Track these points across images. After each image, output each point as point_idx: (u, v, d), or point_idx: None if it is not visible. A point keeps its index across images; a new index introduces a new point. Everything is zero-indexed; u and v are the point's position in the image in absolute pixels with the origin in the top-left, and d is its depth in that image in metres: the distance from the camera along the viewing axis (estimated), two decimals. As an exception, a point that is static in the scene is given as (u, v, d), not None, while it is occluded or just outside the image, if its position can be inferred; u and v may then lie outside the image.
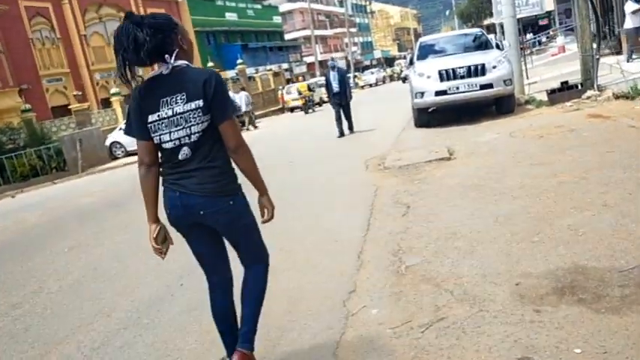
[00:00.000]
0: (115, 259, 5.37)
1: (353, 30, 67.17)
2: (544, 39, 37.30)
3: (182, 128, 2.21)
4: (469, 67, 9.85)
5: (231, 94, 21.40)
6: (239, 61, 32.96)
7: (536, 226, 3.82)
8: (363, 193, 5.98)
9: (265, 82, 35.73)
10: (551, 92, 10.37)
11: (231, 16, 44.05)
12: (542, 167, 5.56)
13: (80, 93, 22.98)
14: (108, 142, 19.86)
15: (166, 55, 2.19)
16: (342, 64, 44.19)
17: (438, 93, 9.94)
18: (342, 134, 11.99)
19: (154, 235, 2.37)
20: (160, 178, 2.37)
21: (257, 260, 2.53)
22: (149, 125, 2.24)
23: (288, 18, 58.26)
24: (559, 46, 23.85)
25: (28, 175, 16.97)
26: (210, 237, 2.44)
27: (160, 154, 2.33)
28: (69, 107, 22.68)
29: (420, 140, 9.06)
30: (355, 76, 52.97)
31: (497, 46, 11.15)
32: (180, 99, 2.20)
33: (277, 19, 53.24)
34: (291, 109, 30.47)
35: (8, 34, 24.30)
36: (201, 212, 2.28)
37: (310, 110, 25.72)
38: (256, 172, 2.36)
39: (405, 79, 37.11)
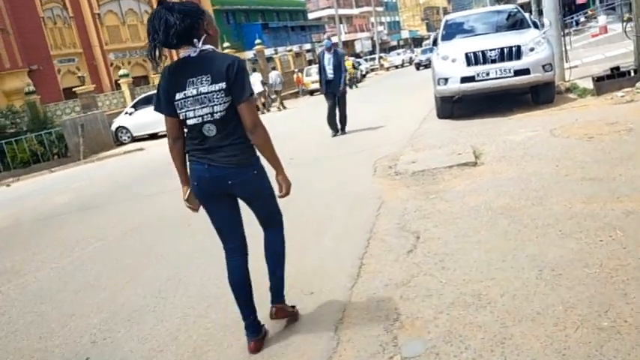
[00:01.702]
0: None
1: (380, 9, 64.93)
2: (582, 19, 35.02)
3: (206, 106, 2.42)
4: (502, 49, 8.40)
5: (255, 75, 22.27)
6: (257, 41, 31.64)
7: (603, 295, 2.53)
8: (364, 210, 4.73)
9: (285, 64, 34.39)
10: (598, 79, 8.85)
11: (251, -6, 42.65)
12: (597, 185, 4.21)
13: (85, 75, 22.01)
14: (114, 127, 18.93)
15: (195, 40, 2.42)
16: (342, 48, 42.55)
17: (464, 79, 8.54)
18: (336, 132, 9.92)
19: (186, 196, 2.69)
20: (187, 155, 2.60)
21: (274, 223, 2.79)
22: (176, 102, 2.46)
23: (311, -4, 56.50)
24: (601, 26, 21.83)
25: (28, 161, 16.16)
26: (230, 207, 2.67)
27: (186, 131, 2.55)
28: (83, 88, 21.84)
29: (441, 135, 7.71)
30: (380, 57, 51.16)
31: (535, 25, 9.64)
32: (206, 80, 2.41)
33: (300, -2, 51.63)
34: (311, 92, 29.14)
35: (18, 12, 23.45)
36: (230, 182, 2.52)
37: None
38: (272, 150, 2.56)
39: (418, 65, 35.38)
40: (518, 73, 8.32)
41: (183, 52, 2.46)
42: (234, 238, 2.71)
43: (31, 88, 18.72)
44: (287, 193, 2.66)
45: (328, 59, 9.84)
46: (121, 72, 22.31)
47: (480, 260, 3.21)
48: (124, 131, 18.92)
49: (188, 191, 2.68)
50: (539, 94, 8.90)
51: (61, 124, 17.07)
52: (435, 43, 9.95)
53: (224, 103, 2.41)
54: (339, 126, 9.99)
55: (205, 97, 2.41)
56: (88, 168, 13.96)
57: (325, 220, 4.73)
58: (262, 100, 21.70)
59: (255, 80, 21.43)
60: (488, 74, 8.41)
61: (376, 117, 11.82)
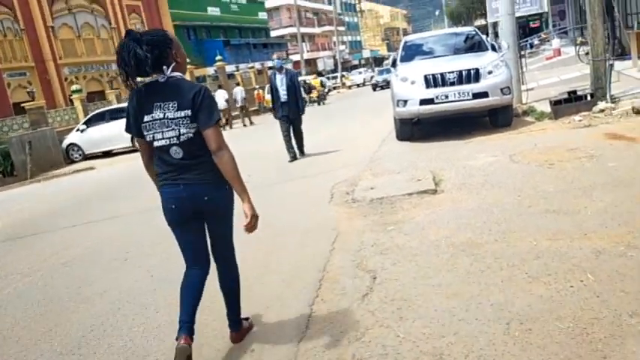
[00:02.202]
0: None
1: (341, 28, 65.54)
2: (536, 41, 36.10)
3: (171, 129, 2.52)
4: (460, 71, 8.29)
5: (220, 92, 22.22)
6: (218, 57, 31.19)
7: (580, 358, 2.24)
8: (318, 244, 4.38)
9: (247, 80, 33.91)
10: (556, 103, 8.84)
11: (213, 11, 42.24)
12: (562, 219, 4.00)
13: (34, 89, 21.04)
14: (65, 144, 18.05)
15: (164, 67, 2.53)
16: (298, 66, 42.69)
17: (423, 102, 8.37)
18: (294, 157, 9.18)
19: None
20: (158, 178, 2.67)
21: (230, 253, 2.88)
22: (143, 125, 2.56)
23: (274, 14, 56.49)
24: (554, 49, 22.39)
25: (-28, 181, 15.19)
26: (200, 229, 2.76)
27: (155, 154, 2.63)
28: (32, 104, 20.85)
29: (400, 159, 7.48)
30: (343, 76, 51.42)
31: (493, 48, 9.62)
32: (172, 107, 2.51)
33: (263, 16, 51.47)
34: (272, 109, 28.86)
35: (-37, 23, 22.37)
36: (206, 198, 2.61)
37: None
38: (236, 175, 2.59)
39: (375, 86, 35.19)
40: (476, 96, 8.21)
41: (151, 78, 2.57)
42: (199, 260, 2.78)
43: (-26, 103, 17.72)
44: (253, 226, 2.63)
45: (280, 80, 9.16)
46: (74, 87, 21.44)
47: (442, 309, 2.89)
48: (76, 149, 18.05)
49: None
50: (497, 117, 8.82)
51: (6, 141, 16.14)
52: (394, 64, 9.79)
53: (189, 128, 2.51)
54: (296, 150, 9.38)
55: (172, 122, 2.50)
56: (33, 188, 13.16)
57: (274, 253, 4.35)
58: (226, 116, 21.55)
59: (220, 97, 21.69)
60: (447, 97, 8.28)
61: (336, 137, 11.59)
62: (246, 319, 3.10)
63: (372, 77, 47.36)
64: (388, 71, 33.09)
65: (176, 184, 2.58)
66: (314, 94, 30.32)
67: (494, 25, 22.74)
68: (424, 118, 8.93)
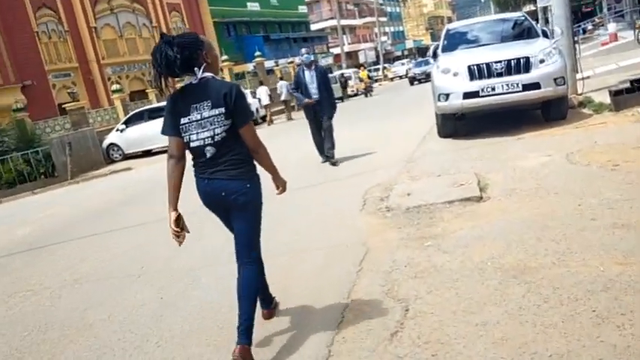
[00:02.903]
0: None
1: (383, 19, 64.36)
2: (590, 26, 34.23)
3: (207, 130, 2.66)
4: (509, 61, 7.55)
5: (262, 88, 21.82)
6: (257, 53, 30.97)
7: None
8: (344, 263, 3.86)
9: (286, 75, 33.59)
10: (616, 93, 7.97)
11: (253, 6, 42.09)
12: (634, 236, 3.33)
13: (76, 90, 21.29)
14: (105, 144, 18.17)
15: (195, 69, 2.65)
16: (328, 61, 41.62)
17: (467, 95, 7.68)
18: (327, 158, 8.38)
19: (173, 220, 2.78)
20: (194, 171, 2.80)
21: (250, 257, 2.86)
22: (181, 126, 2.69)
23: (314, 7, 55.97)
24: (611, 33, 20.97)
25: (14, 181, 15.42)
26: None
27: (190, 152, 2.76)
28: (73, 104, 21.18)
29: (441, 159, 6.85)
30: (385, 68, 50.39)
31: (545, 34, 8.80)
32: (207, 105, 2.64)
33: (303, 9, 51.03)
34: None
35: (11, 26, 22.90)
36: (223, 193, 2.73)
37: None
38: (271, 164, 2.87)
39: (412, 80, 32.56)
40: (527, 87, 7.46)
41: (186, 80, 2.70)
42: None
43: (19, 105, 18.02)
44: (283, 190, 2.99)
45: (310, 77, 8.30)
46: (114, 87, 21.61)
47: (488, 358, 2.33)
48: (116, 148, 18.15)
49: (175, 216, 2.77)
50: (550, 110, 8.04)
51: (48, 142, 16.33)
52: (434, 55, 9.11)
53: (224, 126, 2.63)
54: (326, 151, 8.43)
55: (207, 121, 2.63)
56: (70, 190, 13.17)
57: (293, 274, 3.86)
58: (269, 111, 21.46)
59: (263, 93, 21.48)
60: (493, 89, 7.56)
61: (373, 133, 11.00)
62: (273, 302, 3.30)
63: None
64: (427, 63, 31.43)
65: (203, 179, 2.76)
66: (361, 86, 31.25)
67: (545, 10, 21.51)
68: (468, 113, 8.24)
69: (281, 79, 25.57)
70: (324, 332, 2.90)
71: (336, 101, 9.00)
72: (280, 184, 2.96)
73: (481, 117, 8.70)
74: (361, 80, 31.99)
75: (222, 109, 2.61)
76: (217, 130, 2.63)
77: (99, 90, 27.75)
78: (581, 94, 9.66)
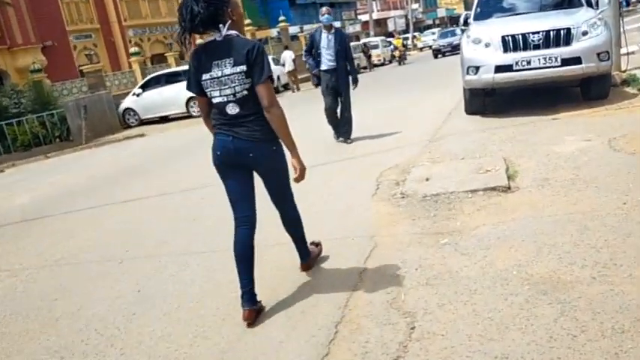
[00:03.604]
0: None
1: (415, -14, 62.18)
2: (633, -1, 32.43)
3: (228, 87, 2.64)
4: (548, 32, 6.81)
5: (287, 52, 21.03)
6: (281, 18, 30.09)
7: None
8: (345, 264, 3.36)
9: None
10: (666, 71, 7.18)
11: (280, -31, 40.87)
12: (697, 248, 2.75)
13: (93, 52, 20.96)
14: (121, 109, 17.85)
15: (220, 25, 2.64)
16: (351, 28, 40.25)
17: (499, 68, 6.98)
18: (340, 135, 7.56)
19: None
20: (214, 127, 2.82)
21: (285, 200, 3.03)
22: (203, 82, 2.70)
23: (344, -28, 54.27)
24: (658, 5, 19.58)
25: (29, 143, 15.24)
26: (245, 179, 2.87)
27: (213, 106, 2.78)
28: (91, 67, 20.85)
29: (467, 140, 6.24)
30: (414, 37, 48.79)
31: (589, 3, 7.96)
32: (229, 63, 2.62)
33: (332, -27, 49.48)
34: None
35: (32, -15, 22.51)
36: (250, 155, 2.74)
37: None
38: (286, 131, 2.74)
39: (437, 52, 29.82)
40: (566, 62, 6.73)
41: (210, 37, 2.68)
42: (246, 208, 2.88)
43: (37, 66, 17.73)
44: (302, 177, 2.83)
45: (328, 41, 7.15)
46: (132, 50, 21.16)
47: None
48: (132, 113, 17.82)
49: None
50: (590, 88, 7.29)
51: (63, 105, 16.05)
52: (465, 23, 8.36)
53: (244, 84, 2.62)
54: (341, 132, 7.59)
55: (228, 79, 2.62)
56: (82, 155, 12.91)
57: (285, 275, 3.36)
58: (293, 78, 20.82)
59: (288, 57, 20.71)
60: (529, 63, 6.85)
61: (396, 108, 10.32)
62: (316, 244, 3.48)
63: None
64: (453, 33, 30.03)
65: (227, 135, 2.73)
66: (396, 54, 31.07)
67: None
68: (500, 89, 7.55)
69: (286, 48, 23.94)
70: (308, 354, 2.43)
71: (358, 73, 7.96)
72: (298, 165, 2.81)
73: (513, 93, 8.01)
74: (396, 48, 32.16)
75: (244, 67, 2.60)
76: (237, 88, 2.63)
77: (120, 52, 27.43)
78: (624, 71, 8.83)
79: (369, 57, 28.50)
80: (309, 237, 3.39)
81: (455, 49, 26.41)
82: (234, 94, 2.64)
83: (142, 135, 14.44)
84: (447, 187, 4.43)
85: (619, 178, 3.98)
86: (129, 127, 17.66)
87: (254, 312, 2.78)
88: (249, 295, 2.79)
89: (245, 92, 2.63)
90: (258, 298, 2.87)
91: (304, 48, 8.21)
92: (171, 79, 17.27)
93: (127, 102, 17.79)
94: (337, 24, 44.73)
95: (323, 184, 5.32)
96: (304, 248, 3.26)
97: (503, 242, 3.22)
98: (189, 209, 5.38)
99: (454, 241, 3.38)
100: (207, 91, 2.70)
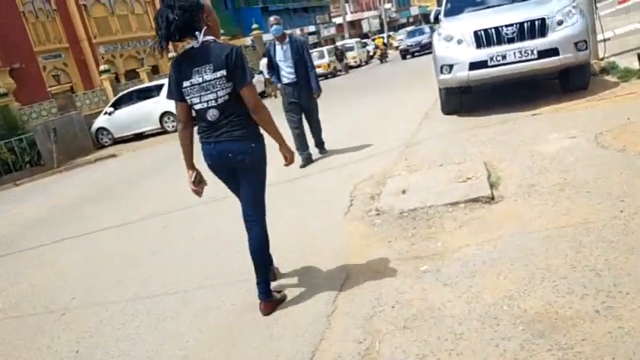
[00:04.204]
0: None
1: (387, -15, 62.11)
2: (603, -17, 32.42)
3: (210, 93, 2.68)
4: (521, 24, 6.47)
5: (265, 60, 20.99)
6: (254, 26, 29.65)
7: None
8: (313, 305, 2.94)
9: (286, 48, 32.35)
10: (647, 57, 6.89)
11: (250, -23, 40.49)
12: None
13: (60, 73, 20.34)
14: (94, 128, 17.26)
15: (196, 32, 2.66)
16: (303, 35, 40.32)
17: (474, 65, 6.63)
18: (308, 160, 6.59)
19: (192, 179, 2.93)
20: (197, 137, 2.86)
21: (257, 216, 2.95)
22: (183, 89, 2.73)
23: (315, -24, 54.03)
24: (629, -10, 19.49)
25: (-1, 171, 14.63)
26: (238, 181, 2.92)
27: (194, 115, 2.81)
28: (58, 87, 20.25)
29: (445, 143, 5.87)
30: (389, 36, 48.64)
31: (562, -9, 7.65)
32: (209, 69, 2.65)
33: (303, -22, 49.20)
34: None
35: (-6, 8, 21.86)
36: (230, 155, 2.77)
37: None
38: (273, 127, 2.82)
39: (404, 53, 27.81)
40: (543, 54, 6.39)
41: (188, 44, 2.72)
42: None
43: (2, 90, 17.10)
44: (291, 161, 2.98)
45: (283, 52, 6.45)
46: (102, 67, 20.57)
47: None
48: (105, 133, 17.24)
49: (193, 175, 2.92)
50: (569, 80, 6.96)
51: (32, 128, 15.45)
52: (436, 19, 8.01)
53: (226, 88, 2.66)
54: (311, 150, 6.76)
55: (209, 84, 2.65)
56: (52, 181, 12.35)
57: (241, 320, 2.94)
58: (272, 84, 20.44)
59: (265, 65, 20.19)
60: (504, 57, 6.51)
61: (371, 111, 9.96)
62: (278, 291, 3.11)
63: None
64: (422, 32, 28.99)
65: (209, 143, 2.77)
66: (378, 53, 31.51)
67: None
68: (476, 86, 7.20)
69: (264, 55, 24.02)
70: None
71: (320, 80, 7.14)
72: (288, 153, 2.93)
73: (490, 89, 7.66)
74: (377, 47, 33.23)
75: (224, 72, 2.62)
76: (220, 93, 2.65)
77: (92, 70, 26.74)
78: (602, 59, 8.56)
79: (341, 60, 28.10)
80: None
81: (424, 48, 25.72)
82: (215, 99, 2.67)
83: (113, 155, 13.90)
84: (425, 201, 4.04)
85: (611, 180, 3.62)
86: (103, 146, 17.10)
87: (269, 304, 2.92)
88: (264, 289, 2.92)
89: (227, 97, 2.67)
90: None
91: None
92: (143, 95, 16.77)
93: (99, 121, 17.21)
94: (312, 28, 44.40)
95: (292, 203, 4.91)
96: (267, 282, 2.98)
97: (490, 267, 2.83)
98: (149, 241, 4.93)
99: (435, 268, 2.99)
100: (187, 98, 2.74)
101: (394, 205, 4.18)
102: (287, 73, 6.51)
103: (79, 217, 6.82)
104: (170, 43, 2.69)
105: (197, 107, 2.72)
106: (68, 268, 4.71)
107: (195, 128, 2.85)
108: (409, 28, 36.54)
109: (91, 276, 4.30)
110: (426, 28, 28.38)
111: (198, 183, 2.94)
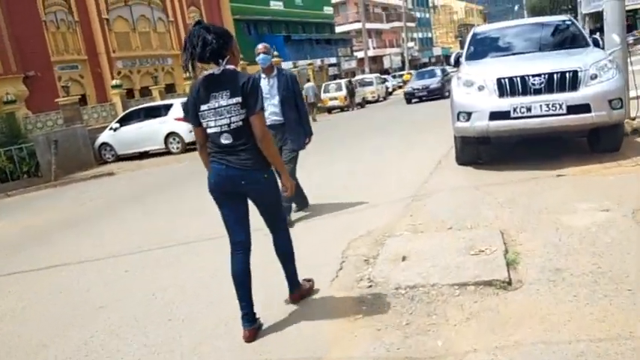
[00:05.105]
0: None
1: (411, 24, 62.37)
2: (630, 40, 32.11)
3: (224, 118, 2.80)
4: (550, 74, 5.87)
5: (308, 85, 22.59)
6: (274, 53, 29.47)
7: None
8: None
9: (304, 78, 32.15)
10: (688, 121, 6.23)
11: (276, 5, 40.72)
12: None
13: (69, 84, 20.07)
14: (97, 143, 16.85)
15: (220, 60, 2.81)
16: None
17: (495, 115, 6.02)
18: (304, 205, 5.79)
19: None
20: (209, 156, 2.98)
21: (279, 227, 3.19)
22: (200, 113, 2.86)
23: (341, 9, 54.42)
24: (658, 47, 18.98)
25: (-4, 179, 14.19)
26: (239, 206, 3.01)
27: (208, 137, 2.94)
28: (84, 97, 19.99)
29: (456, 200, 5.20)
30: (410, 74, 48.26)
31: (596, 43, 7.07)
32: (225, 95, 2.79)
33: (329, 10, 49.48)
34: (329, 110, 26.85)
35: (16, 15, 21.76)
36: (242, 182, 2.89)
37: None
38: (277, 157, 2.96)
39: (410, 97, 24.32)
40: (573, 110, 5.77)
41: (208, 70, 2.84)
42: (241, 232, 3.02)
43: (10, 97, 16.82)
44: (291, 193, 3.09)
45: (269, 86, 5.33)
46: (113, 82, 20.30)
47: None
48: (108, 149, 16.81)
49: None
50: (599, 139, 6.33)
51: (33, 139, 15.05)
52: (457, 63, 7.44)
53: (239, 114, 2.78)
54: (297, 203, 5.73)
55: (224, 109, 2.78)
56: (42, 195, 11.83)
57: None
58: (313, 110, 21.38)
59: (308, 89, 22.06)
60: (529, 109, 5.89)
61: (378, 154, 9.31)
62: (308, 280, 3.47)
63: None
64: (433, 74, 26.63)
65: (220, 164, 2.88)
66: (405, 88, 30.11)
67: (585, 18, 19.61)
68: (495, 138, 6.57)
69: (308, 80, 26.02)
70: None
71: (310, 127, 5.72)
72: (287, 183, 3.02)
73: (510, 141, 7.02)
74: (405, 82, 33.42)
75: (239, 99, 2.74)
76: (233, 119, 2.76)
77: (107, 84, 26.48)
78: (634, 118, 7.90)
79: (352, 96, 26.20)
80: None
81: (432, 93, 23.43)
82: (228, 125, 2.78)
83: (110, 174, 13.38)
84: (428, 277, 3.36)
85: (659, 274, 2.92)
86: (105, 162, 16.65)
87: (254, 331, 2.98)
88: (248, 317, 2.98)
89: (240, 123, 2.78)
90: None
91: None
92: (151, 113, 16.38)
93: (103, 136, 16.80)
94: (332, 60, 44.32)
95: (270, 261, 4.18)
96: (294, 276, 3.31)
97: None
98: (103, 288, 4.27)
99: (431, 381, 2.30)
100: (203, 121, 2.85)
101: (390, 276, 3.50)
102: (271, 113, 5.28)
103: (43, 245, 6.19)
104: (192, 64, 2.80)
105: (211, 131, 2.84)
106: (4, 314, 4.06)
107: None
108: (418, 70, 33.42)
109: (13, 336, 3.59)
110: (438, 71, 26.86)
111: None
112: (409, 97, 24.56)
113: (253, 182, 2.88)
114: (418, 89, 24.15)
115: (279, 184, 3.05)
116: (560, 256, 3.40)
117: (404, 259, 3.78)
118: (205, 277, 4.09)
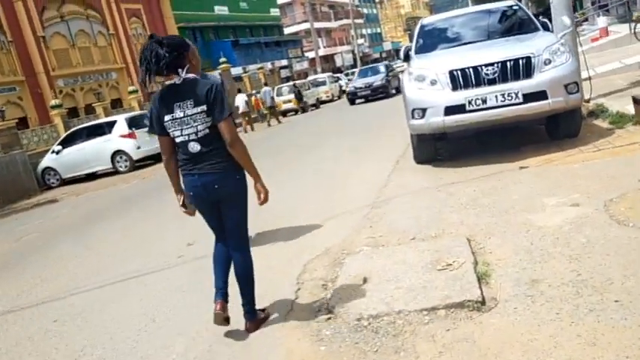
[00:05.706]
0: None
1: (360, 21, 62.48)
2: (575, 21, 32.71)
3: (190, 127, 2.77)
4: (503, 63, 5.61)
5: (240, 96, 21.13)
6: (222, 59, 28.80)
7: None
8: None
9: (256, 82, 31.56)
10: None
11: (221, 10, 39.93)
12: None
13: (4, 108, 18.93)
14: (40, 169, 15.87)
15: (179, 69, 2.75)
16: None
17: (450, 110, 5.71)
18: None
19: (180, 202, 3.04)
20: (180, 170, 2.97)
21: (240, 240, 3.08)
22: (165, 124, 2.83)
23: (287, 10, 53.96)
24: (600, 28, 19.32)
25: None
26: (218, 212, 3.01)
27: (176, 147, 2.91)
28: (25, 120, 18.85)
29: (417, 205, 4.84)
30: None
31: (545, 27, 6.88)
32: (190, 104, 2.77)
33: (275, 12, 48.96)
34: (283, 113, 26.19)
35: (-59, 37, 20.47)
36: (216, 186, 2.86)
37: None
38: (249, 162, 2.89)
39: (353, 97, 22.67)
40: (529, 98, 5.52)
41: (169, 81, 2.79)
42: (222, 233, 3.08)
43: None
44: (265, 200, 2.96)
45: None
46: (52, 102, 19.26)
47: None
48: (52, 173, 15.84)
49: (182, 198, 3.02)
50: (558, 126, 6.13)
51: (-34, 169, 14.05)
52: (406, 57, 7.11)
53: (205, 122, 2.76)
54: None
55: (190, 119, 2.76)
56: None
57: None
58: (247, 119, 20.70)
59: (240, 100, 20.98)
60: (484, 101, 5.62)
61: (332, 157, 8.94)
62: (262, 310, 3.23)
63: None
64: (376, 70, 24.79)
65: (192, 174, 2.87)
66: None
67: (529, 3, 19.78)
68: (452, 133, 6.26)
69: (265, 84, 25.22)
70: None
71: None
72: (262, 190, 2.93)
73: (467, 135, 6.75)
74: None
75: (204, 107, 2.73)
76: (200, 127, 2.75)
77: (48, 105, 25.33)
78: (589, 100, 7.76)
79: (300, 100, 25.43)
80: None
81: (376, 92, 22.05)
82: (196, 133, 2.76)
83: (54, 200, 12.52)
84: (392, 303, 2.96)
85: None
86: (50, 187, 15.70)
87: (224, 303, 3.03)
88: (222, 292, 3.06)
89: (207, 130, 2.76)
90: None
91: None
92: (94, 132, 15.52)
93: (46, 161, 15.82)
94: (283, 62, 43.77)
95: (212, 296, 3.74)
96: (252, 303, 3.12)
97: None
98: (18, 349, 3.70)
99: None
100: (169, 131, 2.83)
101: (351, 305, 3.08)
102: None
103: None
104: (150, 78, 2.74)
105: (178, 140, 2.82)
106: None
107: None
108: (360, 67, 31.71)
109: None
110: (382, 67, 25.22)
111: (189, 205, 3.02)
112: (352, 98, 22.83)
113: (225, 184, 2.85)
114: (361, 88, 22.42)
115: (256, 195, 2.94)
116: (535, 264, 3.06)
117: (365, 280, 3.38)
118: (142, 324, 3.58)
